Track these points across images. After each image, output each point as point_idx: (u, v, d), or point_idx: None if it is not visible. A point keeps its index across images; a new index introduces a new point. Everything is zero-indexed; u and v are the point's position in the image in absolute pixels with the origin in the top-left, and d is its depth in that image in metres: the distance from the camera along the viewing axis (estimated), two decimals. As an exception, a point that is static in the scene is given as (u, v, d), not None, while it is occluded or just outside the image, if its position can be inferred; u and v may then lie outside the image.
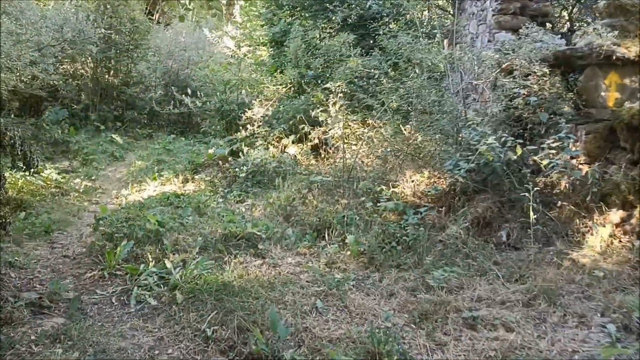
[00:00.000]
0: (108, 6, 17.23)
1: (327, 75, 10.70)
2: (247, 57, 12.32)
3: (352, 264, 5.82)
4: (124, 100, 18.17)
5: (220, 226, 6.23)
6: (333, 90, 9.59)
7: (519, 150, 6.24)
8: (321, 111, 10.14)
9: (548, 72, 6.78)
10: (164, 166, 13.82)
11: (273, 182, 9.85)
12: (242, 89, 11.50)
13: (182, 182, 12.00)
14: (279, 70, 12.17)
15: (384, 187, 7.07)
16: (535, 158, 6.29)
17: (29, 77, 14.70)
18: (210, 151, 11.06)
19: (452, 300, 4.72)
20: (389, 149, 7.85)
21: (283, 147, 11.05)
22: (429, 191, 6.61)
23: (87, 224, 9.42)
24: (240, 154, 10.85)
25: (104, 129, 16.90)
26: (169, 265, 5.17)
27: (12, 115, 13.87)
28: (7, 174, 9.41)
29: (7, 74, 9.98)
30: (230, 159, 11.26)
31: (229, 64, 12.74)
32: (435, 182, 6.88)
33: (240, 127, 10.99)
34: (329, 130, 10.04)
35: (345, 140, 9.77)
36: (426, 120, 7.56)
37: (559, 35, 8.05)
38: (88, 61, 17.65)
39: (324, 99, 10.19)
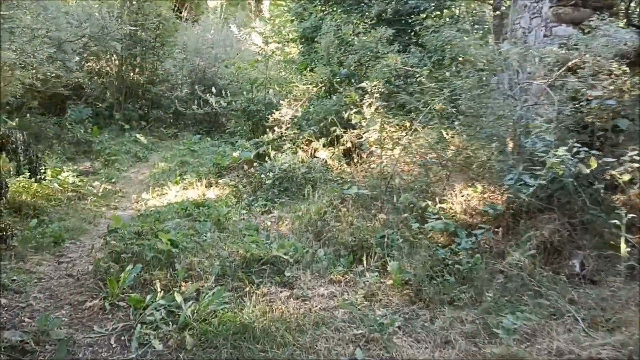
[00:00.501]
0: (134, 2, 16.52)
1: (361, 73, 9.72)
2: (276, 54, 11.44)
3: (396, 297, 4.85)
4: (149, 99, 17.47)
5: (242, 247, 5.31)
6: (369, 90, 8.62)
7: (594, 163, 5.17)
8: (355, 113, 9.18)
9: (628, 71, 5.68)
10: (188, 168, 13.02)
11: (302, 190, 8.93)
12: (269, 88, 10.59)
13: (206, 187, 11.17)
14: (308, 69, 11.22)
15: (429, 203, 6.06)
16: (614, 172, 5.21)
17: (51, 74, 14.10)
18: (235, 154, 10.21)
19: (527, 355, 3.71)
20: (434, 157, 6.83)
21: (313, 151, 10.11)
22: (485, 210, 5.57)
23: (101, 233, 8.66)
24: (267, 157, 9.95)
25: (128, 128, 16.22)
26: (179, 299, 4.27)
27: (28, 115, 13.19)
28: (20, 178, 8.69)
29: (22, 71, 9.24)
30: (255, 162, 10.37)
31: (256, 61, 11.87)
32: (490, 197, 5.85)
33: (267, 129, 10.09)
34: (363, 133, 9.07)
35: (382, 145, 8.80)
36: (476, 124, 6.52)
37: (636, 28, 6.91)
38: (113, 58, 16.99)
39: (358, 100, 9.22)
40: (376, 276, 5.03)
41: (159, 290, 4.58)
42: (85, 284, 5.43)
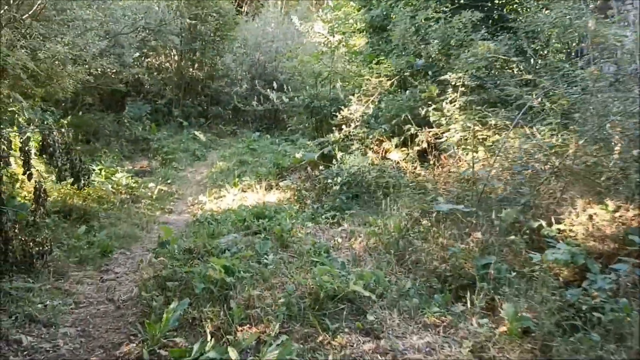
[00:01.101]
0: (193, -5, 15.81)
1: (441, 64, 8.43)
2: (342, 46, 10.31)
3: (515, 353, 3.61)
4: (208, 95, 16.74)
5: (312, 278, 4.20)
6: (452, 82, 7.35)
7: None
8: (434, 109, 7.93)
9: None
10: (247, 168, 12.11)
11: (373, 197, 7.78)
12: (335, 83, 9.47)
13: (265, 189, 10.19)
14: (375, 61, 9.99)
15: (542, 223, 4.76)
16: None
17: (109, 70, 13.51)
18: (298, 155, 9.18)
19: None
20: (541, 163, 5.51)
21: (384, 152, 8.91)
22: (627, 236, 4.23)
23: (153, 240, 7.81)
24: (333, 159, 8.84)
25: (186, 125, 15.53)
26: (233, 356, 3.21)
27: (81, 112, 12.61)
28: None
29: (73, 66, 8.50)
30: (320, 164, 9.29)
31: (321, 53, 10.78)
32: (626, 218, 4.49)
33: (333, 127, 8.97)
34: (443, 132, 7.82)
35: (466, 146, 7.52)
36: (598, 123, 5.15)
37: None
38: (172, 53, 16.33)
39: (437, 94, 7.97)
40: (487, 327, 3.79)
41: (208, 336, 3.54)
42: (126, 315, 4.49)
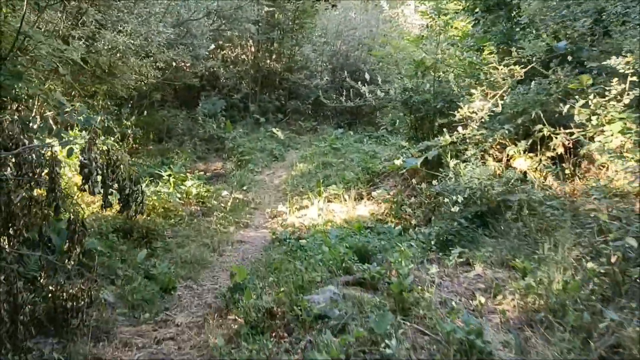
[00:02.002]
0: (272, -20, 14.28)
1: (591, 46, 6.34)
2: (450, 27, 8.37)
3: None
4: (286, 88, 15.22)
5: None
6: (620, 69, 5.32)
7: None
8: (581, 106, 5.89)
9: None
10: (331, 171, 10.47)
11: (500, 220, 5.89)
12: (446, 73, 7.59)
13: (355, 200, 8.51)
14: (487, 46, 7.95)
15: None
16: None
17: (182, 63, 12.27)
18: (398, 162, 7.40)
19: None
20: None
21: (507, 160, 6.93)
22: None
23: (225, 269, 6.34)
24: (441, 167, 6.98)
25: (263, 121, 14.10)
26: None
27: (148, 110, 11.40)
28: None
29: (136, 58, 7.13)
30: (423, 172, 7.47)
31: (421, 38, 8.89)
32: None
33: (442, 128, 7.10)
34: (593, 135, 5.80)
35: (622, 153, 5.48)
36: None
37: None
38: (249, 44, 14.93)
39: (587, 86, 5.91)
40: None
41: None
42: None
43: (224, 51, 15.21)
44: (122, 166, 4.24)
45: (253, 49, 14.83)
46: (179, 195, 8.04)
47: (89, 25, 6.43)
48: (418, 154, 8.00)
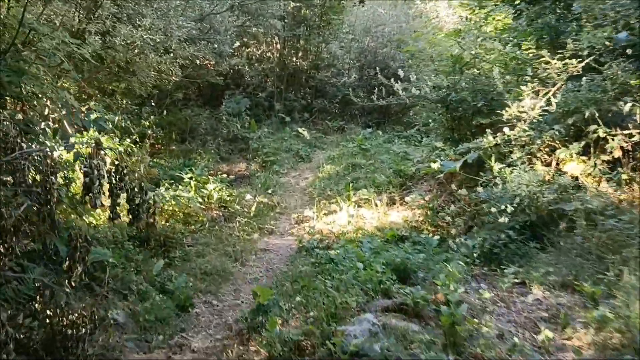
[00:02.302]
0: (298, -25, 13.74)
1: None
2: (491, 19, 7.69)
3: None
4: (312, 87, 14.66)
5: None
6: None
7: None
8: (646, 104, 5.22)
9: None
10: (359, 174, 9.87)
11: (552, 231, 5.24)
12: (489, 69, 6.91)
13: (387, 205, 7.90)
14: (529, 40, 7.24)
15: None
16: None
17: (209, 62, 11.83)
18: (435, 165, 6.77)
19: None
20: None
21: (557, 164, 6.25)
22: None
23: (248, 282, 5.82)
24: (487, 172, 6.34)
25: (289, 121, 13.57)
26: None
27: (165, 110, 10.99)
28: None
29: (155, 54, 6.66)
30: (462, 176, 6.83)
31: (458, 32, 8.22)
32: None
33: (486, 129, 6.44)
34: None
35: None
36: None
37: None
38: (274, 41, 14.42)
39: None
40: None
41: None
42: None
43: (249, 49, 14.74)
44: (130, 174, 3.73)
45: (278, 46, 14.31)
46: (200, 200, 7.56)
47: (105, 19, 5.96)
48: (456, 156, 7.37)
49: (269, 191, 9.31)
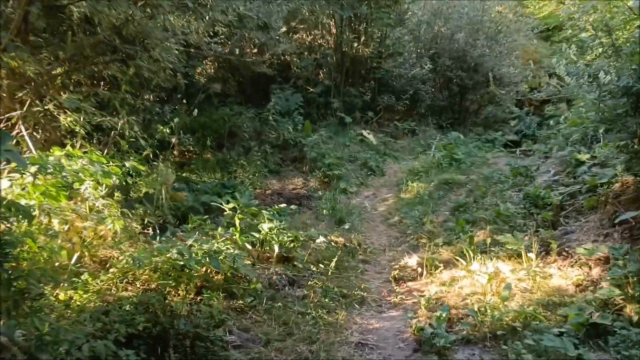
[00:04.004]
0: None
1: None
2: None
3: None
4: (376, 80, 11.62)
5: None
6: None
7: None
8: None
9: None
10: (462, 196, 6.85)
11: None
12: None
13: (539, 257, 4.84)
14: None
15: None
16: None
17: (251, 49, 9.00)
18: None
19: None
20: None
21: None
22: None
23: None
24: None
25: (349, 121, 10.59)
26: None
27: (196, 107, 8.08)
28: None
29: (175, 16, 3.74)
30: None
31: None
32: None
33: None
34: None
35: None
36: None
37: None
38: (330, 24, 11.44)
39: None
40: None
41: None
42: None
43: (298, 34, 11.81)
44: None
45: (334, 30, 11.32)
46: (249, 247, 4.66)
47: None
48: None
49: (344, 223, 6.33)
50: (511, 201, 6.18)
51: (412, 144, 10.38)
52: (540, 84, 13.56)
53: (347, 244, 5.69)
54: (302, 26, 11.78)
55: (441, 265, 5.11)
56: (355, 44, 11.14)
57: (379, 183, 8.41)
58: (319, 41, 11.71)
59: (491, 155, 9.22)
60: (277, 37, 9.85)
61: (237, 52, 9.69)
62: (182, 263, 3.86)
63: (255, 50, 10.97)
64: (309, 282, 4.57)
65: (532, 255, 4.71)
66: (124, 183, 4.74)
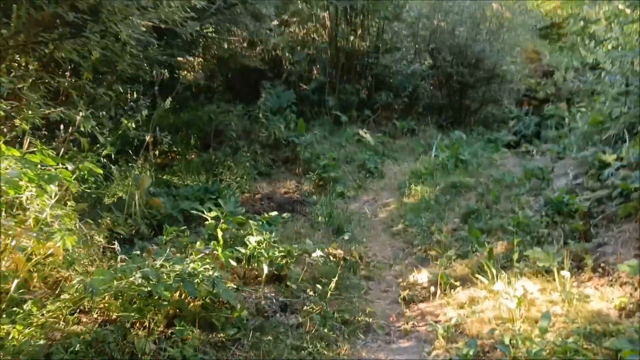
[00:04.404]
0: None
1: None
2: None
3: None
4: (373, 76, 10.89)
5: None
6: None
7: None
8: None
9: None
10: (472, 202, 6.15)
11: None
12: None
13: (574, 278, 4.12)
14: None
15: None
16: None
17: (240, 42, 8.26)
18: None
19: None
20: None
21: None
22: None
23: None
24: None
25: (345, 120, 9.86)
26: None
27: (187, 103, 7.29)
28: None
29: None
30: None
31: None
32: None
33: None
34: None
35: None
36: None
37: None
38: (324, 17, 10.70)
39: None
40: None
41: None
42: None
43: (290, 27, 11.06)
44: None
45: (329, 23, 10.58)
46: (234, 264, 3.91)
47: None
48: None
49: (343, 233, 5.58)
50: (529, 207, 5.48)
51: (412, 144, 9.68)
52: (541, 83, 12.95)
53: (347, 258, 4.94)
54: (294, 19, 11.03)
55: (457, 283, 4.39)
56: (351, 38, 10.42)
57: (379, 186, 7.67)
58: (312, 35, 10.97)
59: (498, 156, 8.53)
60: (269, 31, 9.10)
61: (222, 35, 8.84)
62: (148, 289, 3.11)
63: (245, 45, 10.23)
64: (305, 307, 3.81)
65: (565, 272, 3.99)
66: (89, 189, 3.97)
